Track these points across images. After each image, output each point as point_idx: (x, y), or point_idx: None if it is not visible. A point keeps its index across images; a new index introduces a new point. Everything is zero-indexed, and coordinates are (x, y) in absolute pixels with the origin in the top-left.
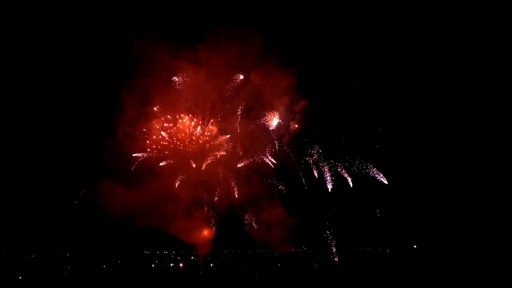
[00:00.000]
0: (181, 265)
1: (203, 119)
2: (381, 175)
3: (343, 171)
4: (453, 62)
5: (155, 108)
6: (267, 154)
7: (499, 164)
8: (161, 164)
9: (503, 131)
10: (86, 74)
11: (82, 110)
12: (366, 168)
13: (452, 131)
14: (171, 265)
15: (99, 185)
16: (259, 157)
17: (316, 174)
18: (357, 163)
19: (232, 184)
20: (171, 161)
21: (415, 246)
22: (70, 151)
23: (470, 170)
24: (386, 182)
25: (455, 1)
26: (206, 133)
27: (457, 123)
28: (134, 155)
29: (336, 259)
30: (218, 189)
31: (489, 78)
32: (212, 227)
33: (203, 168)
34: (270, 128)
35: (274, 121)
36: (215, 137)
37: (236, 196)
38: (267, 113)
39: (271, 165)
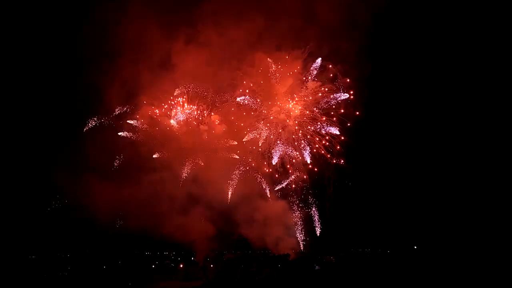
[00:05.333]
0: (181, 265)
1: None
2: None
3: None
4: None
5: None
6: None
7: (499, 165)
8: (154, 156)
9: (501, 133)
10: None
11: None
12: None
13: (451, 133)
14: (171, 265)
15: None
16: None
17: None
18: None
19: (230, 182)
20: (165, 154)
21: (415, 247)
22: (66, 150)
23: (470, 171)
24: None
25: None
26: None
27: (456, 124)
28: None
29: (332, 258)
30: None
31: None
32: (211, 224)
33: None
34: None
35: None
36: (215, 128)
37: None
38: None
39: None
